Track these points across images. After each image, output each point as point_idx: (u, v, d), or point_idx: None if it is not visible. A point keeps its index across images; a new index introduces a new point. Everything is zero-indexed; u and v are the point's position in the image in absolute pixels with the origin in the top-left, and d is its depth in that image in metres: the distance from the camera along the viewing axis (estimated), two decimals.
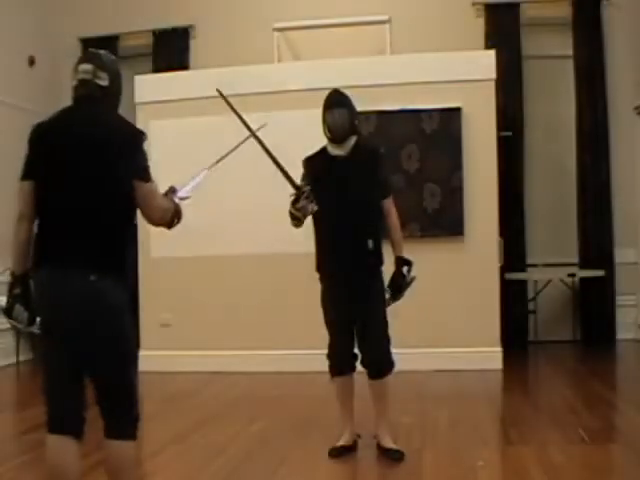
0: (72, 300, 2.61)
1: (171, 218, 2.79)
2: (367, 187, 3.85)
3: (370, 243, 3.80)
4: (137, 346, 2.80)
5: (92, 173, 2.63)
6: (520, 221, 7.64)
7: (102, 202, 2.64)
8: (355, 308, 3.86)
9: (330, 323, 3.98)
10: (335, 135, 3.91)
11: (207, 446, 4.22)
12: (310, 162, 4.05)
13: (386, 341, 3.87)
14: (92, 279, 2.62)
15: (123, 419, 2.74)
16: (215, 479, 3.68)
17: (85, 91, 2.70)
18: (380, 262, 3.88)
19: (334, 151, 3.95)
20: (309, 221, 3.89)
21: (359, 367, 3.97)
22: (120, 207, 2.67)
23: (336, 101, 3.94)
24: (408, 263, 3.89)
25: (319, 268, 3.97)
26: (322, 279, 3.97)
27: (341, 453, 3.95)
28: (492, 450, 4.02)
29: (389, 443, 3.89)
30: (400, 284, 3.87)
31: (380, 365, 3.86)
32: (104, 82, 2.69)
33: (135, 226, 2.85)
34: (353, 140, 3.92)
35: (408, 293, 3.94)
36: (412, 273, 3.89)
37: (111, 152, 2.64)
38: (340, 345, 3.96)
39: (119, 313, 2.70)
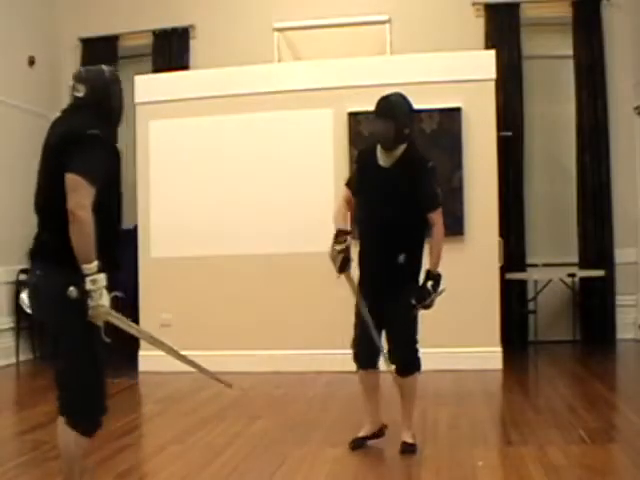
0: (30, 295, 2.92)
1: (83, 223, 2.65)
2: (406, 201, 3.79)
3: (401, 258, 3.79)
4: (91, 340, 2.79)
5: (45, 172, 2.87)
6: (520, 221, 7.64)
7: (50, 199, 2.80)
8: (384, 307, 3.88)
9: (357, 315, 3.99)
10: (381, 144, 3.89)
11: (207, 446, 4.22)
12: (361, 159, 4.11)
13: (412, 342, 3.93)
14: (38, 274, 2.83)
15: (62, 405, 2.90)
16: (215, 479, 3.68)
17: (69, 102, 3.04)
18: (411, 278, 3.84)
19: (381, 158, 3.91)
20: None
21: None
22: (61, 204, 2.69)
23: (381, 111, 3.86)
24: (435, 278, 3.83)
25: (359, 265, 3.99)
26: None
27: (361, 444, 4.03)
28: (492, 450, 4.02)
29: (405, 437, 3.96)
30: (423, 296, 3.84)
31: (404, 363, 3.92)
32: (80, 93, 2.97)
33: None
34: (400, 150, 3.84)
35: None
36: (441, 287, 3.86)
37: (57, 151, 2.80)
38: (363, 340, 3.97)
39: (57, 305, 2.76)
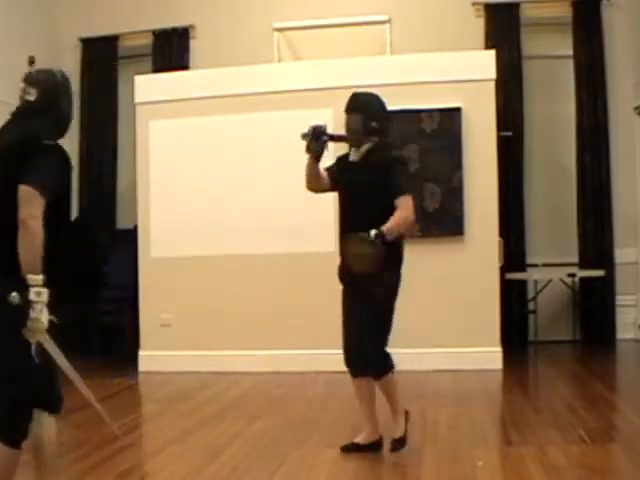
0: None
1: (34, 234, 2.57)
2: (375, 194, 3.75)
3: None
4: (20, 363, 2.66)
5: None
6: (520, 221, 7.64)
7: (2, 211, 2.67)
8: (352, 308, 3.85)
9: (343, 315, 3.97)
10: (351, 140, 3.90)
11: (207, 446, 4.22)
12: (338, 161, 4.10)
13: (369, 343, 3.75)
14: None
15: None
16: (215, 479, 3.68)
17: (19, 105, 2.93)
18: (384, 268, 3.66)
19: (352, 155, 3.95)
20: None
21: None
22: (11, 213, 2.59)
23: (350, 106, 3.90)
24: (379, 234, 3.55)
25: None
26: None
27: (351, 450, 3.97)
28: (492, 450, 4.02)
29: (394, 434, 3.94)
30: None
31: (363, 366, 3.78)
32: (31, 97, 2.88)
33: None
34: (367, 145, 3.85)
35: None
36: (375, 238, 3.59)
37: (8, 159, 2.70)
38: (344, 346, 3.94)
39: None
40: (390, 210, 3.71)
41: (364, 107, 3.87)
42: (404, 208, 3.74)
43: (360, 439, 4.01)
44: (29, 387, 2.72)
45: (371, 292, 3.73)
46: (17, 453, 2.71)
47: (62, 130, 2.93)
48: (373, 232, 3.55)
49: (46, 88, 2.88)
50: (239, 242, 6.60)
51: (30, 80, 2.91)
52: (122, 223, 8.16)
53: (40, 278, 2.55)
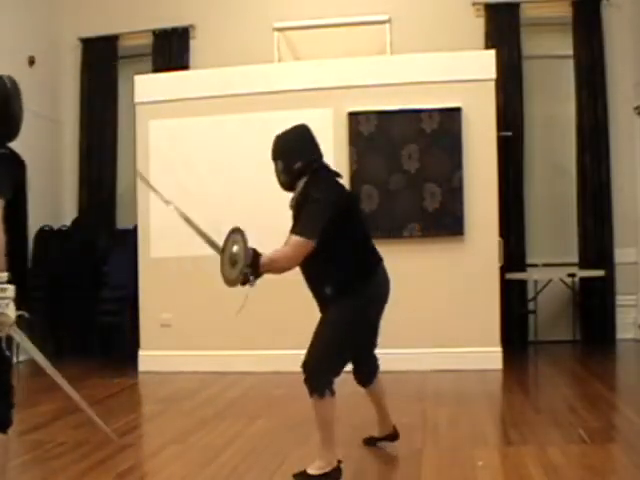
0: None
1: None
2: None
3: (328, 289, 3.59)
4: None
5: None
6: (520, 221, 7.64)
7: None
8: None
9: None
10: (281, 186, 3.78)
11: (207, 446, 4.22)
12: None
13: (315, 361, 3.52)
14: None
15: None
16: (215, 479, 3.68)
17: None
18: (345, 293, 3.55)
19: (292, 196, 3.79)
20: None
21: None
22: None
23: (272, 154, 3.75)
24: (254, 264, 3.45)
25: None
26: None
27: (370, 444, 4.00)
28: (492, 450, 4.02)
29: (311, 469, 3.52)
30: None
31: (305, 378, 3.54)
32: None
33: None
34: (300, 186, 3.67)
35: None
36: (252, 281, 3.53)
37: None
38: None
39: None
40: (327, 246, 3.48)
41: (282, 153, 3.71)
42: (288, 247, 3.54)
43: (376, 433, 4.02)
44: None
45: (331, 312, 3.61)
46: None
47: (13, 133, 3.00)
48: (245, 265, 3.40)
49: None
50: None
51: None
52: (122, 223, 8.16)
53: (4, 275, 2.64)
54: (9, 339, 2.73)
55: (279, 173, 3.74)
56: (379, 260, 3.74)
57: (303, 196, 3.61)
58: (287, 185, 3.74)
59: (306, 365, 3.54)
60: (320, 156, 3.74)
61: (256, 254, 3.44)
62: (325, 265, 3.56)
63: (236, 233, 3.55)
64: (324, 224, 3.47)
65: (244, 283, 3.47)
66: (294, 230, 3.58)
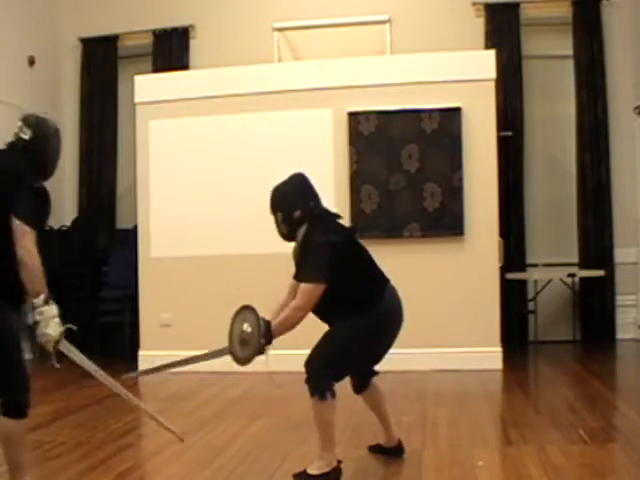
0: None
1: (32, 266, 2.97)
2: None
3: (337, 319, 3.70)
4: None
5: None
6: (520, 221, 7.65)
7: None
8: None
9: None
10: (282, 237, 3.83)
11: (207, 446, 4.22)
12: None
13: (319, 364, 3.57)
14: None
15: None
16: (215, 479, 3.68)
17: (12, 139, 3.23)
18: (353, 313, 3.62)
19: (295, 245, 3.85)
20: None
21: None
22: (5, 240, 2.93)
23: (270, 206, 3.77)
24: (267, 335, 3.52)
25: None
26: None
27: (375, 450, 3.96)
28: (492, 450, 4.02)
29: (311, 469, 3.54)
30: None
31: (307, 378, 3.61)
32: (26, 136, 3.20)
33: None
34: (301, 234, 3.72)
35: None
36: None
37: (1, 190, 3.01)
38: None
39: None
40: (333, 289, 3.55)
41: (280, 204, 3.73)
42: (296, 301, 3.62)
43: (383, 441, 3.97)
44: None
45: (342, 321, 3.68)
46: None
47: (49, 173, 3.25)
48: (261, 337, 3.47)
49: (39, 133, 3.21)
50: (239, 242, 6.60)
51: (28, 122, 3.23)
52: (122, 223, 8.17)
53: (41, 299, 2.96)
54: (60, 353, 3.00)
55: (279, 224, 3.77)
56: (385, 283, 3.74)
57: (306, 242, 3.67)
58: (288, 235, 3.78)
59: (309, 365, 3.57)
60: (318, 202, 3.78)
61: (268, 324, 3.54)
62: (331, 303, 3.60)
63: (244, 311, 3.59)
64: (330, 265, 3.53)
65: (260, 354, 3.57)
66: (300, 277, 3.67)
